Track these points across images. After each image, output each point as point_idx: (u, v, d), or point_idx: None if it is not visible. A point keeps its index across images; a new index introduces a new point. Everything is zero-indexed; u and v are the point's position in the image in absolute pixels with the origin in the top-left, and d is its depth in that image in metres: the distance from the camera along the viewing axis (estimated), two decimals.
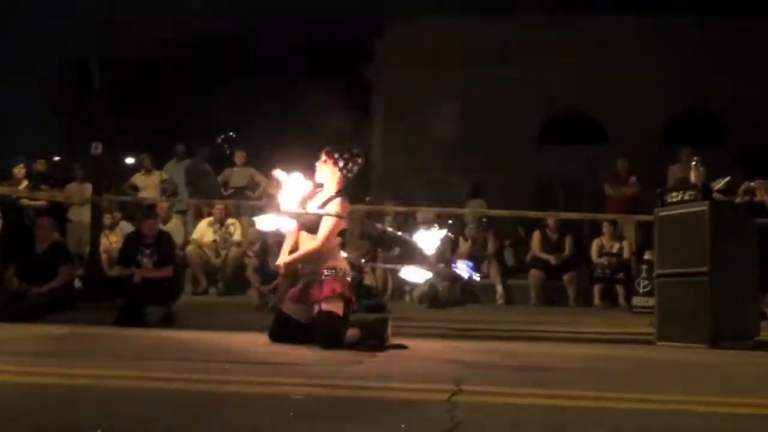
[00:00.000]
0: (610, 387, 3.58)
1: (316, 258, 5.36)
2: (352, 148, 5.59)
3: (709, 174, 6.82)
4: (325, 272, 5.31)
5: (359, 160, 5.55)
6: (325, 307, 5.20)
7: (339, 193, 5.46)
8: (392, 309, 9.03)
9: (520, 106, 16.43)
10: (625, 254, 10.90)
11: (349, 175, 5.50)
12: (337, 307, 5.22)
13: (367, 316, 6.68)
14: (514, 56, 16.35)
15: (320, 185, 5.58)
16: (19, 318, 7.41)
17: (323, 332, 5.14)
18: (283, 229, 5.60)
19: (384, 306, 9.13)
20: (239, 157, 13.06)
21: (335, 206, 5.37)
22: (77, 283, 9.34)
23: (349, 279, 5.41)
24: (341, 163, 5.48)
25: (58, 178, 12.76)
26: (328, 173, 5.51)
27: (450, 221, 12.90)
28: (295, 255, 5.49)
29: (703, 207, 6.45)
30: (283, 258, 5.51)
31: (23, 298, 8.06)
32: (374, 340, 5.15)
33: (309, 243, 5.39)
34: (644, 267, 9.88)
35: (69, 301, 8.36)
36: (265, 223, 5.58)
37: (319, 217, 5.33)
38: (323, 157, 5.53)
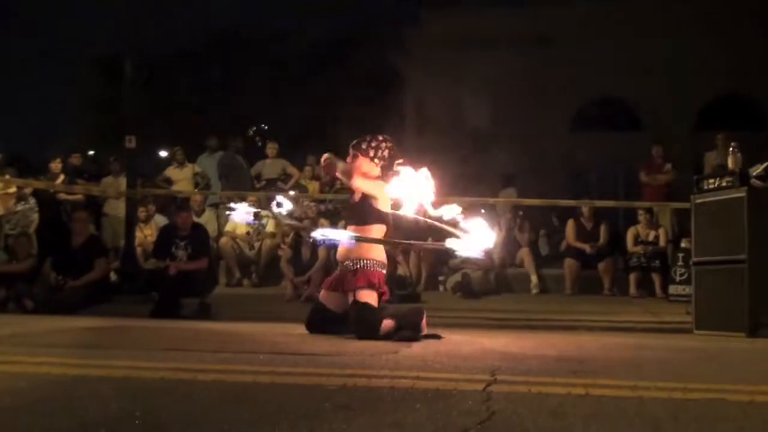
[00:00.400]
0: (648, 376, 3.54)
1: (353, 249, 5.38)
2: (374, 135, 5.57)
3: (746, 160, 6.72)
4: (363, 262, 5.31)
5: (385, 144, 5.53)
6: (359, 297, 5.20)
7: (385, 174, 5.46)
8: (426, 299, 9.04)
9: (553, 92, 16.33)
10: (661, 242, 10.76)
11: (383, 162, 5.48)
12: (372, 298, 5.23)
13: (402, 306, 6.67)
14: (547, 43, 16.23)
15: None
16: (57, 311, 7.52)
17: (358, 323, 5.15)
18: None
19: (418, 296, 9.14)
20: (271, 149, 13.10)
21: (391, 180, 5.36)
22: (113, 276, 9.45)
23: (384, 271, 5.41)
24: (371, 153, 5.49)
25: (93, 172, 12.88)
26: (366, 165, 5.50)
27: (482, 210, 12.86)
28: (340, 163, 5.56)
29: (741, 193, 6.34)
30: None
31: (60, 291, 8.18)
32: (409, 331, 5.14)
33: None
34: (681, 255, 9.77)
35: (105, 294, 8.48)
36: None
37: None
38: (351, 153, 5.53)
